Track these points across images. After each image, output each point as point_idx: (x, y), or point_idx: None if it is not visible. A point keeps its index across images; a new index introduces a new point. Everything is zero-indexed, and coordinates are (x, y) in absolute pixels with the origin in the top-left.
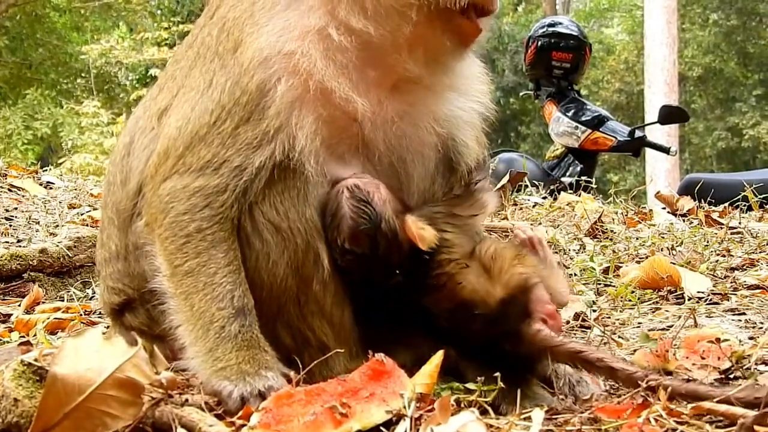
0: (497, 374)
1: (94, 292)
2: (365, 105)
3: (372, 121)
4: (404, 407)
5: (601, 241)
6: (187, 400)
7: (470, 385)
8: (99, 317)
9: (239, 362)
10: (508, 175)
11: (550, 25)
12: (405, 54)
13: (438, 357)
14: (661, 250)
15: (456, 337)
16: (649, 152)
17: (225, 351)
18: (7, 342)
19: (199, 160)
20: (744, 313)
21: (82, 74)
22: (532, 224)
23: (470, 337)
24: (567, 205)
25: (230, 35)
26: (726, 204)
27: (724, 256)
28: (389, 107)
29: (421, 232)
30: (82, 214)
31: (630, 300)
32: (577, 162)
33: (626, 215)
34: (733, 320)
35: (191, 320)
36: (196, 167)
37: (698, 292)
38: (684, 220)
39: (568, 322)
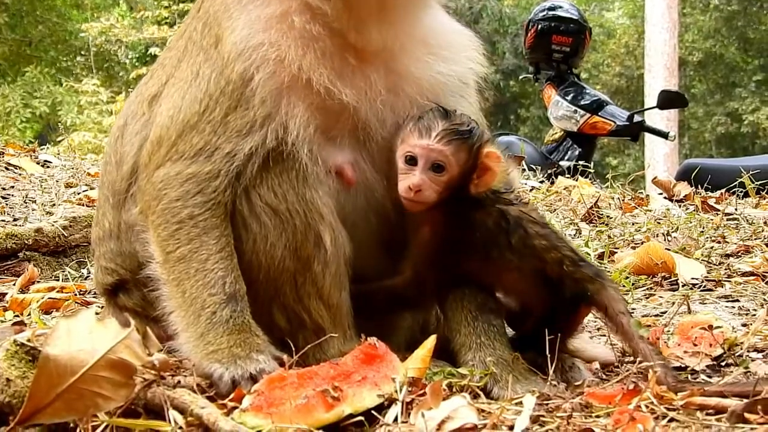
0: (490, 359)
1: (89, 272)
2: (351, 93)
3: (362, 104)
4: (396, 391)
5: (596, 226)
6: (179, 381)
7: (462, 370)
8: (94, 297)
9: (230, 346)
10: None
11: (551, 8)
12: (361, 26)
13: (431, 341)
14: (657, 236)
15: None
16: (648, 137)
17: (216, 335)
18: (2, 321)
19: (192, 148)
20: (738, 300)
21: (82, 52)
22: None
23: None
24: (564, 189)
25: (211, 30)
26: (723, 190)
27: (719, 242)
28: (376, 83)
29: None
30: (78, 194)
31: (624, 286)
32: (575, 146)
33: (623, 200)
34: (726, 307)
35: (183, 306)
36: (189, 154)
37: (692, 278)
38: (680, 206)
39: None
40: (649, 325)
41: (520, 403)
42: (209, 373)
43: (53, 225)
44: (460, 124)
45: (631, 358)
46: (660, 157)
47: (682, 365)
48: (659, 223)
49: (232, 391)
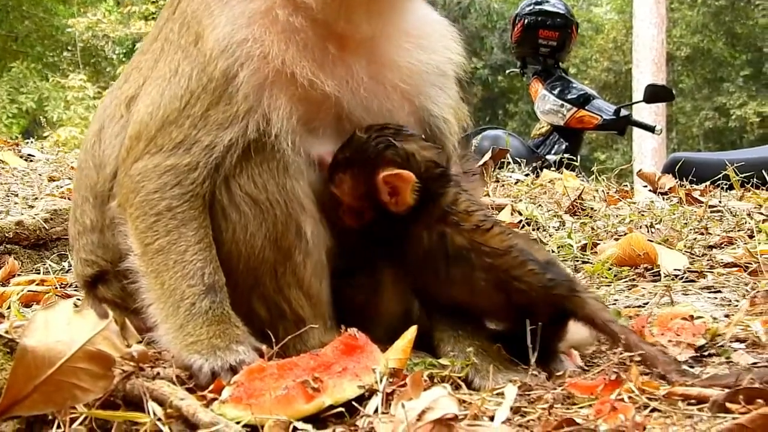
0: (470, 349)
1: (71, 265)
2: (333, 83)
3: (344, 93)
4: (376, 382)
5: (580, 219)
6: (158, 373)
7: (443, 360)
8: (75, 290)
9: (210, 337)
10: (490, 152)
11: (537, 3)
12: (350, 16)
13: (411, 332)
14: (640, 227)
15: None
16: (636, 131)
17: (196, 326)
18: None
19: (171, 141)
20: (720, 291)
21: (69, 47)
22: (513, 201)
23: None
24: (549, 182)
25: (190, 29)
26: (708, 183)
27: (702, 234)
28: (359, 73)
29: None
30: (61, 187)
31: (606, 277)
32: (562, 140)
33: (607, 193)
34: (708, 298)
35: (162, 298)
36: (168, 147)
37: (674, 269)
38: (665, 199)
39: None
40: (631, 317)
41: (502, 393)
42: (188, 365)
43: (34, 218)
44: (345, 156)
45: (614, 349)
46: (648, 152)
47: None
48: (643, 215)
49: (212, 382)
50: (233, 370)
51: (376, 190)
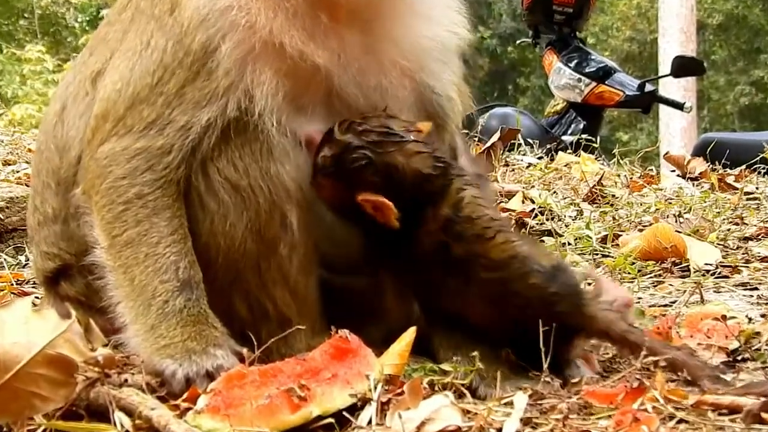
0: (475, 353)
1: (28, 259)
2: (324, 55)
3: (336, 67)
4: (370, 390)
5: (600, 207)
6: (126, 380)
7: (445, 366)
8: (33, 287)
9: (184, 339)
10: (499, 132)
11: None
12: None
13: (410, 334)
14: (667, 217)
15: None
16: (662, 109)
17: (169, 327)
18: None
19: (142, 121)
20: (756, 288)
21: (25, 15)
22: (524, 187)
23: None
24: (565, 166)
25: None
26: (743, 167)
27: (736, 224)
28: (353, 46)
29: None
30: (17, 172)
31: (629, 273)
32: (579, 119)
33: (630, 178)
34: (743, 296)
35: (131, 296)
36: (138, 128)
37: (706, 264)
38: (695, 184)
39: None
40: (656, 317)
41: (510, 402)
42: (160, 370)
43: None
44: (324, 161)
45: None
46: (676, 132)
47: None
48: (670, 203)
49: (186, 390)
50: (210, 376)
51: (358, 205)
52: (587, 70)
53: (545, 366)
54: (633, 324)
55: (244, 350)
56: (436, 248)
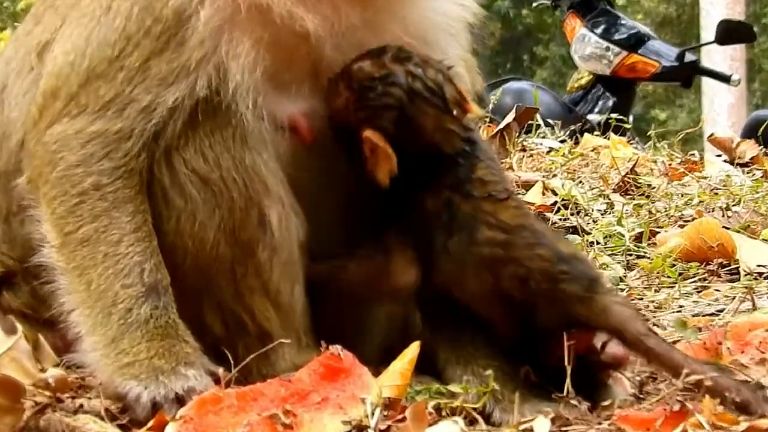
0: (488, 372)
1: None
2: (315, 20)
3: (327, 37)
4: (367, 416)
5: (634, 199)
6: (81, 405)
7: (454, 387)
8: None
9: (151, 356)
10: (514, 111)
11: None
12: None
13: (412, 350)
14: (712, 210)
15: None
16: (706, 82)
17: (133, 342)
18: None
19: (98, 100)
20: None
21: None
22: (544, 176)
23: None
24: (592, 150)
25: None
26: None
27: None
28: (350, 17)
29: None
30: None
31: (668, 276)
32: (608, 94)
33: (669, 165)
34: None
35: (88, 302)
36: (93, 108)
37: (758, 265)
38: (745, 172)
39: None
40: (701, 328)
41: (530, 429)
42: (123, 393)
43: None
44: (356, 72)
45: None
46: (722, 110)
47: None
48: (716, 194)
49: (152, 416)
50: (180, 400)
51: (359, 139)
52: (616, 37)
53: (570, 386)
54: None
55: (220, 370)
56: (442, 206)
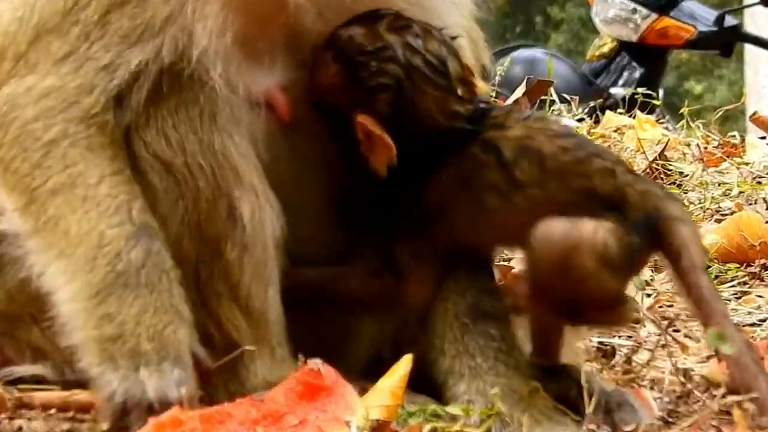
0: (495, 390)
1: None
2: None
3: (308, 2)
4: None
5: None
6: (20, 428)
7: (454, 408)
8: None
9: (138, 333)
10: (524, 84)
11: None
12: None
13: (404, 364)
14: (755, 202)
15: None
16: (749, 51)
17: (121, 302)
18: None
19: (50, 57)
20: None
21: None
22: None
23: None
24: (615, 131)
25: None
26: None
27: None
28: None
29: None
30: None
31: None
32: (634, 64)
33: (705, 148)
34: None
35: (68, 251)
36: (45, 66)
37: None
38: None
39: None
40: None
41: None
42: (93, 376)
43: None
44: (346, 40)
45: (709, 390)
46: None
47: None
48: (759, 182)
49: (119, 421)
50: (151, 410)
51: (351, 122)
52: None
53: (589, 408)
54: None
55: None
56: (482, 152)
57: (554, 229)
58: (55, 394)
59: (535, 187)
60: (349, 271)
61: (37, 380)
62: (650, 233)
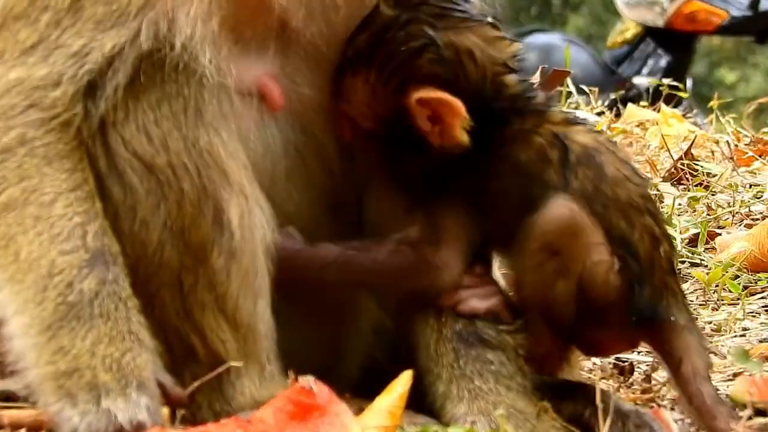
0: (499, 410)
1: None
2: None
3: None
4: None
5: (689, 190)
6: None
7: (456, 430)
8: None
9: (94, 366)
10: (539, 73)
11: None
12: None
13: (403, 381)
14: None
15: None
16: None
17: (73, 335)
18: None
19: (17, 45)
20: None
21: None
22: None
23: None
24: (637, 126)
25: None
26: None
27: None
28: None
29: None
30: None
31: (730, 291)
32: (660, 52)
33: (735, 146)
34: None
35: (18, 276)
36: (12, 55)
37: None
38: None
39: None
40: None
41: None
42: (52, 413)
43: None
44: (360, 47)
45: (735, 411)
46: None
47: None
48: None
49: None
50: None
51: (408, 115)
52: None
53: (604, 429)
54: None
55: (178, 389)
56: (550, 144)
57: (562, 208)
58: (26, 413)
59: (580, 197)
60: (379, 241)
61: (7, 397)
62: (644, 323)
